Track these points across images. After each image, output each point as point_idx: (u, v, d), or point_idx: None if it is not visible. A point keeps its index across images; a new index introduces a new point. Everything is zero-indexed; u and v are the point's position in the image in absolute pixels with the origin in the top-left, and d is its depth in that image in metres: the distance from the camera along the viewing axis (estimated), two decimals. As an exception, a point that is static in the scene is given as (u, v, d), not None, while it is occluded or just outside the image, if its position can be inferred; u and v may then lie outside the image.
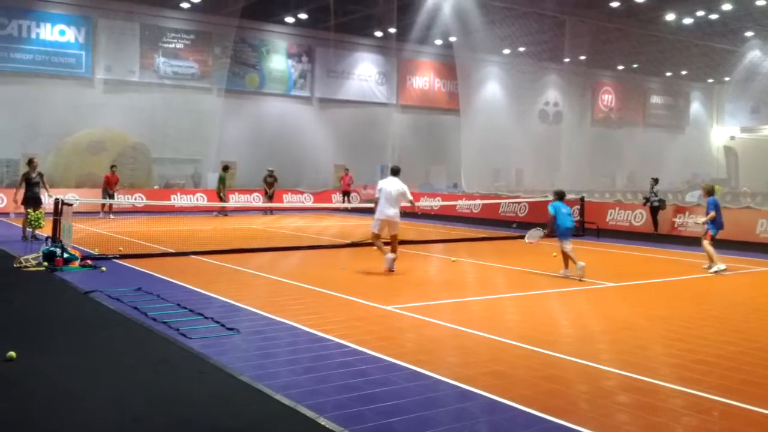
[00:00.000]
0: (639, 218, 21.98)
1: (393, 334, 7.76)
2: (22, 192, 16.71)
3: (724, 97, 49.00)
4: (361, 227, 21.02)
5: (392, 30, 34.59)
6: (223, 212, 26.33)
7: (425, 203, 27.48)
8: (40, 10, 29.58)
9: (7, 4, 28.58)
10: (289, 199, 30.77)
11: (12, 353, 6.41)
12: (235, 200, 29.35)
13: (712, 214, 13.08)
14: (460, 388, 5.85)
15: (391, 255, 12.07)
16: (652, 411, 5.39)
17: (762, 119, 46.16)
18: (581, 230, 20.20)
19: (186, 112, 31.48)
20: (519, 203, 25.31)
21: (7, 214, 22.43)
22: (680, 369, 6.54)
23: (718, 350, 7.25)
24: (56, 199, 13.92)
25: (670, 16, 34.26)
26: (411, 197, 12.58)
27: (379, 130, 37.54)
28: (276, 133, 34.98)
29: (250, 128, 34.77)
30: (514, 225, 22.55)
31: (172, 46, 32.58)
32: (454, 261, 14.05)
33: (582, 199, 21.48)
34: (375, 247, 12.84)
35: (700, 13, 33.55)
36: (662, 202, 21.07)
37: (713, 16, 33.63)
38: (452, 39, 33.97)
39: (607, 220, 22.55)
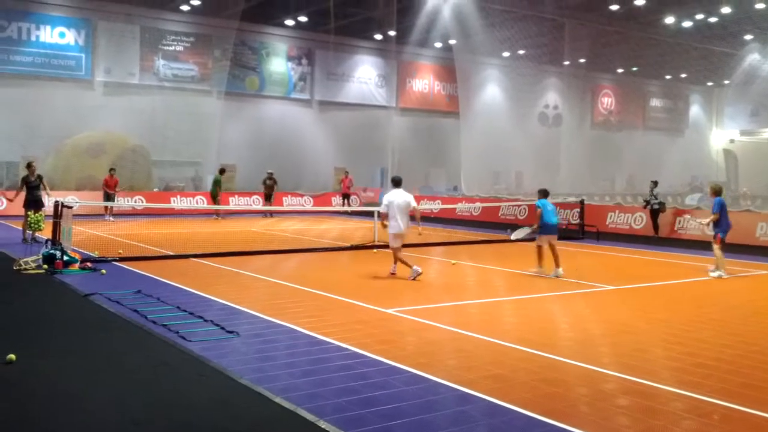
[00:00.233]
0: (639, 221, 21.98)
1: (393, 337, 7.76)
2: (22, 194, 16.71)
3: (723, 100, 49.05)
4: (360, 230, 21.02)
5: (392, 33, 34.65)
6: (216, 215, 26.20)
7: (425, 206, 27.47)
8: (40, 13, 29.59)
9: (7, 7, 28.62)
10: (288, 202, 30.79)
11: (12, 356, 6.41)
12: (235, 203, 29.38)
13: (716, 215, 12.96)
14: (460, 391, 5.85)
15: (417, 267, 11.90)
16: (652, 414, 5.39)
17: (761, 122, 46.16)
18: (581, 233, 20.22)
19: (186, 115, 31.48)
20: (519, 206, 25.32)
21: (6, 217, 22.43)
22: (680, 372, 6.54)
23: (717, 353, 7.26)
24: (56, 201, 13.93)
25: (670, 19, 34.27)
26: (416, 204, 12.57)
27: (379, 132, 37.56)
28: (276, 135, 34.99)
29: (250, 131, 34.78)
30: (509, 231, 22.53)
31: (172, 48, 32.60)
32: (454, 264, 14.05)
33: (582, 202, 21.48)
34: (401, 264, 12.18)
35: (700, 17, 33.54)
36: (662, 205, 21.07)
37: (713, 20, 33.62)
38: (452, 42, 33.99)
39: (607, 223, 22.54)
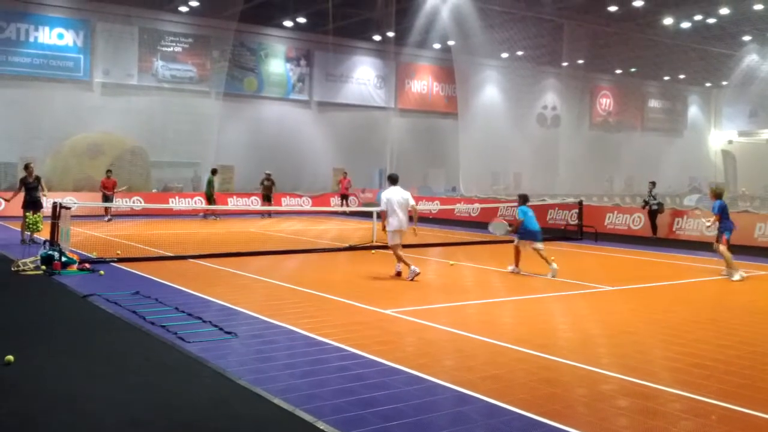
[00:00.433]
0: (637, 222, 22.00)
1: (391, 338, 7.75)
2: (20, 195, 16.68)
3: (721, 101, 49.10)
4: (359, 230, 21.01)
5: (391, 34, 34.63)
6: (208, 215, 26.12)
7: (424, 207, 27.45)
8: (38, 14, 29.55)
9: (5, 8, 28.56)
10: (287, 203, 30.77)
11: (10, 357, 6.40)
12: (233, 203, 29.36)
13: (717, 216, 12.99)
14: (459, 391, 5.85)
15: (415, 268, 11.88)
16: (651, 415, 5.39)
17: (760, 123, 46.24)
18: (579, 234, 20.24)
19: (184, 116, 31.45)
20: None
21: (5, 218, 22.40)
22: (679, 373, 6.54)
23: (716, 354, 7.26)
24: (54, 202, 13.91)
25: (668, 21, 34.28)
26: (414, 202, 12.56)
27: (378, 133, 37.57)
28: (274, 136, 34.97)
29: (248, 132, 34.76)
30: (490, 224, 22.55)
31: (171, 49, 32.57)
32: (452, 265, 14.05)
33: (580, 203, 21.48)
34: (402, 263, 12.13)
35: (698, 18, 33.56)
36: (660, 205, 21.08)
37: (711, 21, 33.66)
38: (450, 43, 34.00)
39: (606, 223, 22.56)
